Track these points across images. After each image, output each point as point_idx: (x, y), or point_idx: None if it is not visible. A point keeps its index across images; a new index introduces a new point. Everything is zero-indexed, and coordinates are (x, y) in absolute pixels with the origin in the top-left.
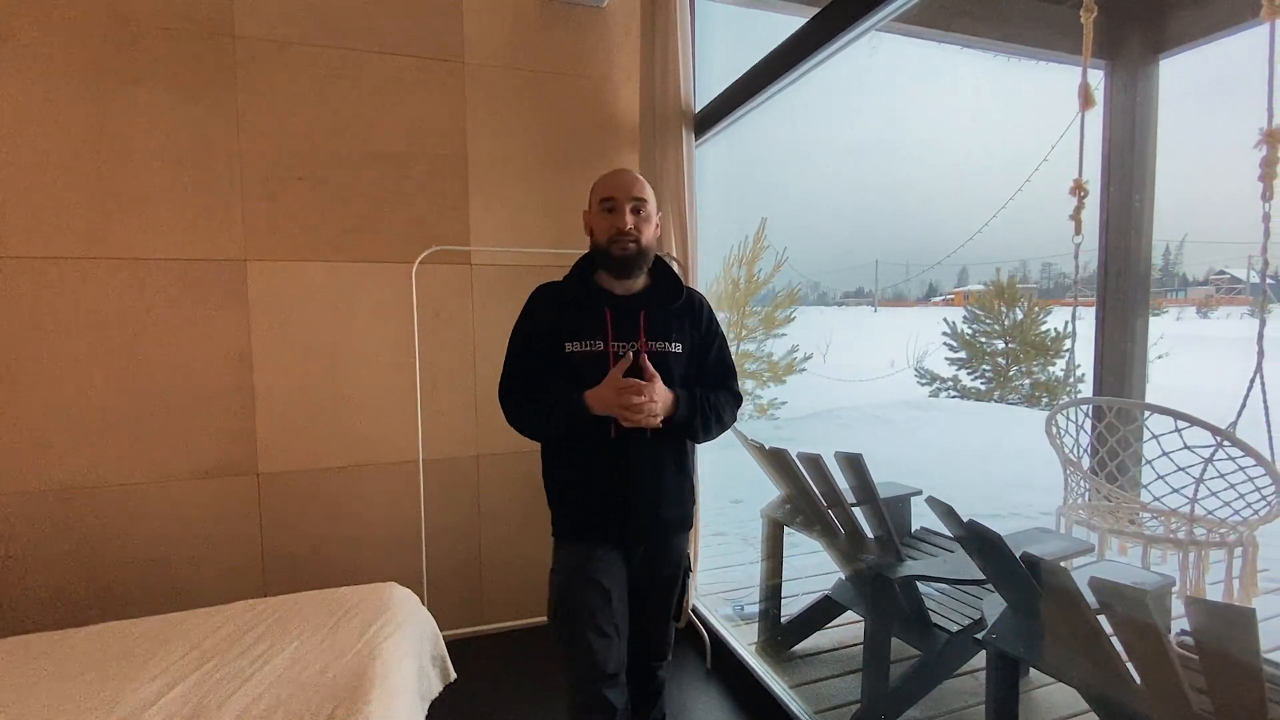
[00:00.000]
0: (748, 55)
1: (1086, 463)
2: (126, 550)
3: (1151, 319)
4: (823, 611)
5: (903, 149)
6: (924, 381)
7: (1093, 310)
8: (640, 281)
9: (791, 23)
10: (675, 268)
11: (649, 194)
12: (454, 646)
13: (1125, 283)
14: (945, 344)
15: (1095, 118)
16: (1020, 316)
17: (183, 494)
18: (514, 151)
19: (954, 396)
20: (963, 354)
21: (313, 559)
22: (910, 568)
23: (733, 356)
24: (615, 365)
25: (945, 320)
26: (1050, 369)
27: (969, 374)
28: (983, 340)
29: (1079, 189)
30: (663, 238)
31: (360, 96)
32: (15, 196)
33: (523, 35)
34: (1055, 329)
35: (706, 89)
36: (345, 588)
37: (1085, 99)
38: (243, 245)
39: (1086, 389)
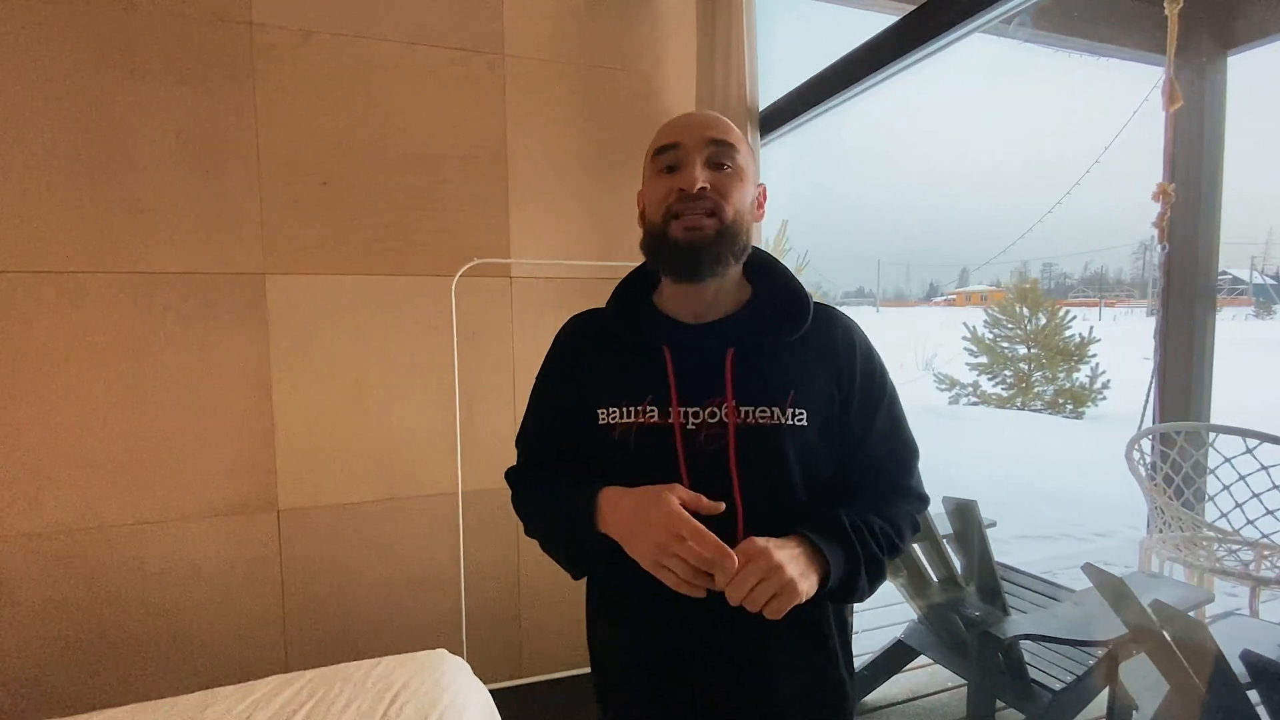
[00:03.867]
0: (815, 48)
1: (1163, 490)
2: (134, 598)
3: (1154, 319)
4: (894, 657)
5: (941, 148)
6: (943, 387)
7: (1115, 311)
8: (729, 293)
9: (858, 15)
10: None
11: (738, 141)
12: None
13: (1191, 291)
14: (965, 349)
15: (1149, 116)
16: (1044, 321)
17: (196, 534)
18: (557, 153)
19: (974, 403)
20: (983, 359)
21: (339, 603)
22: (1019, 624)
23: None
24: (675, 487)
25: (965, 324)
26: (1075, 375)
27: (990, 379)
28: (1004, 345)
29: (1165, 194)
30: None
31: (390, 92)
32: (8, 204)
33: (567, 25)
34: (1080, 334)
35: (768, 82)
36: (390, 658)
37: (1171, 96)
38: (261, 257)
39: (1115, 399)
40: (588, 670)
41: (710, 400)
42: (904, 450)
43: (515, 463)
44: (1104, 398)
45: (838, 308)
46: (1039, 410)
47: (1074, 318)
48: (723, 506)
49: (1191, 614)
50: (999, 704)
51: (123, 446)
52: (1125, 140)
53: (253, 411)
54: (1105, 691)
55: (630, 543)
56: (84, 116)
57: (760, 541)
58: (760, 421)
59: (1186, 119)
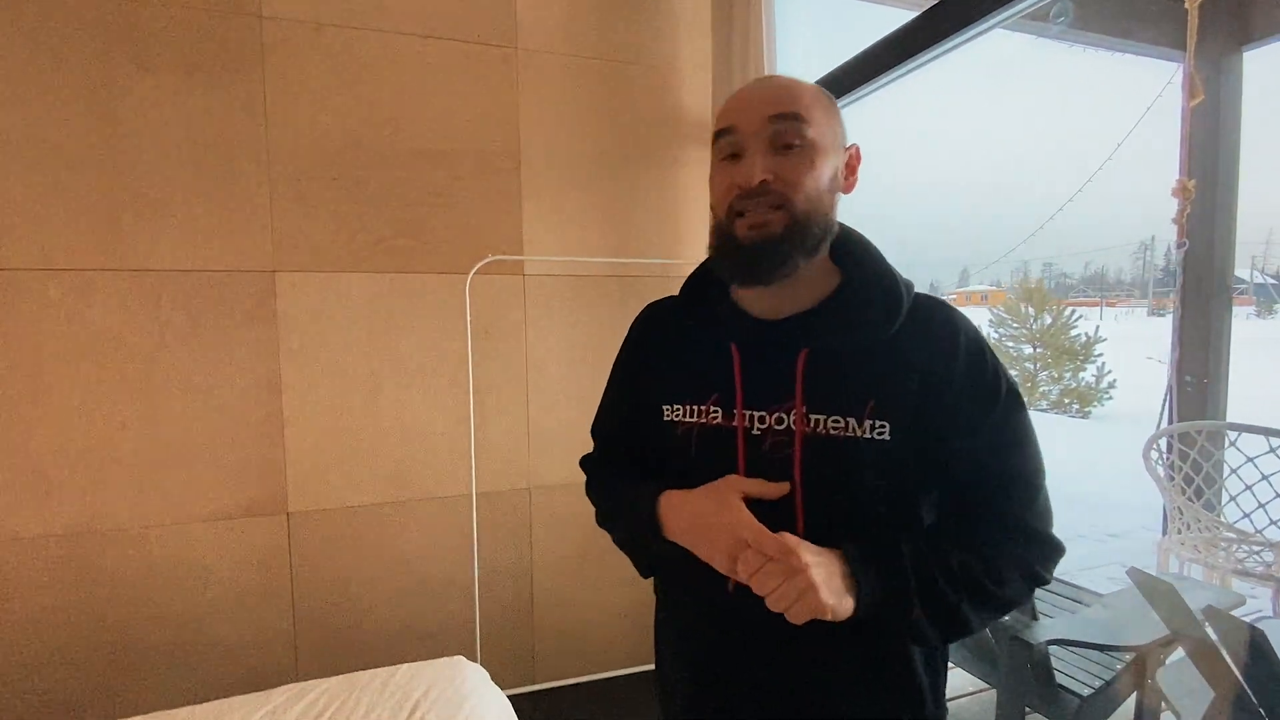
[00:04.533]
0: (836, 38)
1: (1182, 490)
2: (142, 602)
3: (1156, 319)
4: None
5: (942, 148)
6: None
7: (1116, 311)
8: (810, 284)
9: (877, 10)
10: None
11: (811, 106)
12: None
13: (1208, 289)
14: None
15: (1158, 113)
16: (1049, 321)
17: (204, 537)
18: (571, 148)
19: None
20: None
21: (350, 607)
22: (1049, 629)
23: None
24: (733, 481)
25: None
26: (1081, 375)
27: None
28: (1009, 345)
29: (1185, 191)
30: None
31: (403, 86)
32: (12, 200)
33: (581, 19)
34: (1085, 334)
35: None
36: (407, 665)
37: (1191, 91)
38: (271, 254)
39: (1121, 398)
40: (601, 676)
41: (778, 405)
42: (1019, 475)
43: (591, 450)
44: (1110, 397)
45: (944, 298)
46: (1044, 410)
47: (1080, 317)
48: (787, 487)
49: None
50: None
51: (130, 447)
52: (1131, 138)
53: (262, 412)
54: (1133, 697)
55: (700, 550)
56: (91, 110)
57: (793, 540)
58: (832, 432)
59: (1202, 115)
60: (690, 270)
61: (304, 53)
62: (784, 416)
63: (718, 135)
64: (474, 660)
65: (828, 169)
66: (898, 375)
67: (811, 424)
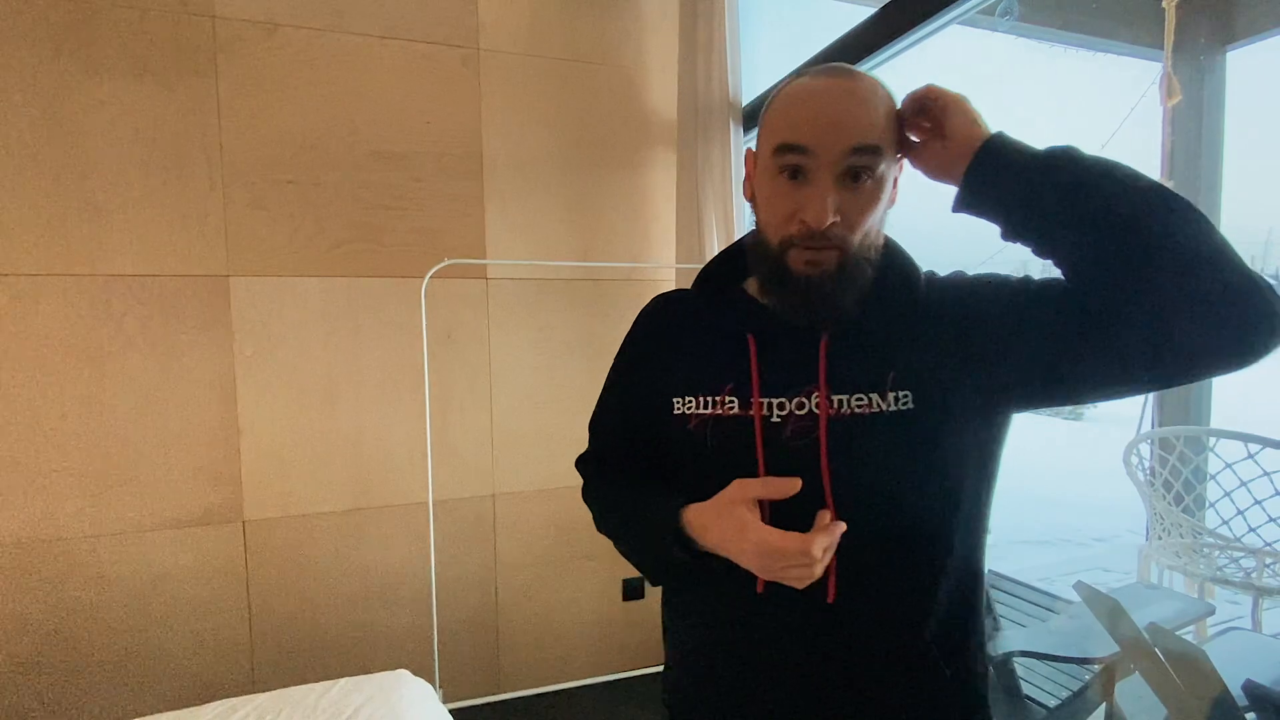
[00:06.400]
0: (800, 40)
1: (1162, 495)
2: (92, 613)
3: None
4: None
5: None
6: None
7: None
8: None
9: (843, 8)
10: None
11: (885, 130)
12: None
13: None
14: None
15: (1145, 113)
16: None
17: (157, 546)
18: (534, 150)
19: None
20: None
21: (307, 617)
22: (1013, 640)
23: None
24: (741, 489)
25: None
26: None
27: None
28: None
29: None
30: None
31: (361, 87)
32: None
33: (545, 18)
34: None
35: (752, 77)
36: (347, 680)
37: (1169, 91)
38: (225, 259)
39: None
40: (569, 685)
41: (800, 390)
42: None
43: (586, 449)
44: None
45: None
46: (1038, 411)
47: None
48: (798, 484)
49: (1192, 628)
50: None
51: (80, 455)
52: (1121, 138)
53: (217, 419)
54: (1102, 708)
55: (732, 551)
56: (39, 113)
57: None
58: (856, 410)
59: (1185, 116)
60: (661, 270)
61: (258, 53)
62: (805, 401)
63: (782, 148)
64: (431, 671)
65: (885, 200)
66: (916, 342)
67: (835, 405)
